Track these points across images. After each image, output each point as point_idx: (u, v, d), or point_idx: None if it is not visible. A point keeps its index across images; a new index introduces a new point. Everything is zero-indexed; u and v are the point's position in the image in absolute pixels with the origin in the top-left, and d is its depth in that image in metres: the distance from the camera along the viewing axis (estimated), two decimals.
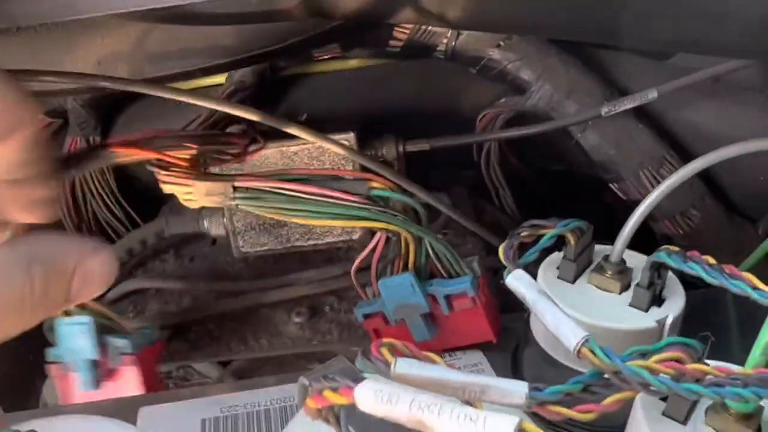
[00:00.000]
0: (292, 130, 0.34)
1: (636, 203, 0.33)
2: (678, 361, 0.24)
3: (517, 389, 0.23)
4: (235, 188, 0.31)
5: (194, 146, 0.31)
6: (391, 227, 0.33)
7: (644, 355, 0.24)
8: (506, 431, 0.17)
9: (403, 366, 0.22)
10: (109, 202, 0.54)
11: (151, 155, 0.28)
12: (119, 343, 0.36)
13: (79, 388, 0.37)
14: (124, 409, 0.34)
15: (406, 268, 0.35)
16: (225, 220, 0.46)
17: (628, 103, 0.44)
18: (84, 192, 0.53)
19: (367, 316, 0.37)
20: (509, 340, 0.38)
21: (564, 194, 0.56)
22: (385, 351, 0.24)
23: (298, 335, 0.44)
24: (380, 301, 0.36)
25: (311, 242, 0.47)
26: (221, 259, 0.50)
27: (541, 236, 0.33)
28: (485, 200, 0.54)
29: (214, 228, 0.48)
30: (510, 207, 0.53)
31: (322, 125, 0.40)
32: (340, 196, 0.31)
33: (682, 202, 0.47)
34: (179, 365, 0.45)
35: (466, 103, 0.53)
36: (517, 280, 0.28)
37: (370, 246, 0.35)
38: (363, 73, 0.53)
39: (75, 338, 0.36)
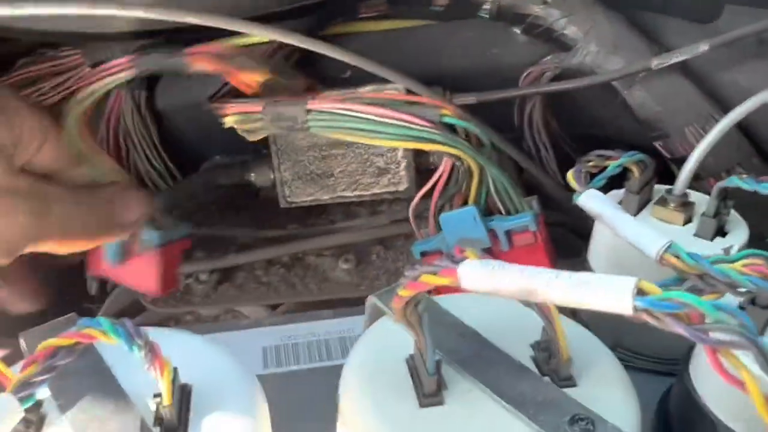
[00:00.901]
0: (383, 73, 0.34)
1: (681, 160, 0.34)
2: (760, 266, 0.24)
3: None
4: (307, 111, 0.32)
5: (268, 71, 0.31)
6: (460, 153, 0.33)
7: (725, 262, 0.25)
8: (624, 290, 0.17)
9: (492, 263, 0.23)
10: (150, 155, 0.54)
11: (228, 69, 0.29)
12: (147, 235, 0.39)
13: (104, 257, 0.40)
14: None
15: (465, 203, 0.36)
16: (273, 170, 0.47)
17: (679, 56, 0.44)
18: (126, 143, 0.53)
19: (424, 254, 0.37)
20: None
21: None
22: (470, 252, 0.24)
23: (346, 281, 0.44)
24: (439, 238, 0.36)
25: (357, 192, 0.47)
26: (267, 209, 0.50)
27: (605, 167, 0.33)
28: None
29: (260, 178, 0.48)
30: (552, 169, 0.53)
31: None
32: (412, 120, 0.31)
33: (729, 159, 0.47)
34: (228, 309, 0.45)
35: (511, 62, 0.53)
36: (591, 198, 0.28)
37: (434, 177, 0.35)
38: (408, 33, 0.53)
39: None
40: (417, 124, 0.32)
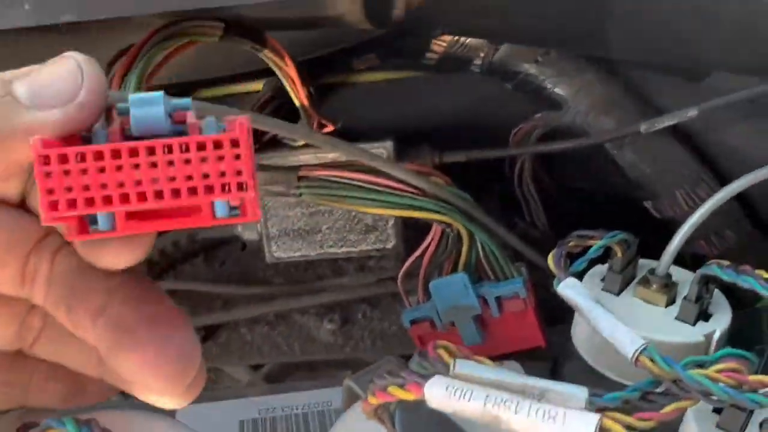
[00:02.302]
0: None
1: (670, 221, 0.34)
2: (735, 371, 0.24)
3: (577, 393, 0.23)
4: (299, 178, 0.32)
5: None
6: (450, 221, 0.33)
7: (701, 365, 0.24)
8: (587, 429, 0.17)
9: (462, 367, 0.22)
10: None
11: None
12: None
13: None
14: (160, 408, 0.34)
15: (455, 270, 0.36)
16: (259, 224, 0.46)
17: (667, 120, 0.44)
18: None
19: (414, 322, 0.37)
20: (546, 354, 0.38)
21: (592, 213, 0.56)
22: (442, 352, 0.23)
23: (330, 341, 0.44)
24: (428, 305, 0.36)
25: (345, 249, 0.47)
26: (252, 264, 0.50)
27: (586, 247, 0.33)
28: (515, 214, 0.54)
29: (247, 232, 0.48)
30: (542, 222, 0.53)
31: (357, 134, 0.41)
32: (404, 188, 0.32)
33: (719, 223, 0.47)
34: (209, 368, 0.44)
35: (502, 117, 0.53)
36: (569, 288, 0.28)
37: (423, 245, 0.35)
38: (398, 85, 0.53)
39: None
40: (407, 192, 0.32)
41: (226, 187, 0.19)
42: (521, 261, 0.43)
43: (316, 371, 0.45)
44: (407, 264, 0.37)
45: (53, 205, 0.19)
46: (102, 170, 0.19)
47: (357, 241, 0.47)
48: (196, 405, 0.35)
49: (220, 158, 0.18)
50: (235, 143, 0.19)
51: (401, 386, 0.21)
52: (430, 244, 0.35)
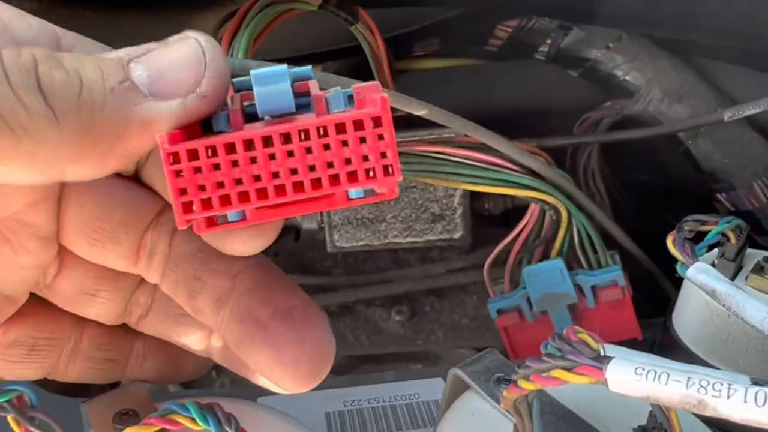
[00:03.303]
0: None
1: (746, 213, 0.32)
2: None
3: (740, 381, 0.21)
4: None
5: None
6: (556, 201, 0.31)
7: None
8: None
9: (647, 365, 0.20)
10: None
11: None
12: None
13: None
14: (243, 398, 0.32)
15: (545, 257, 0.34)
16: (321, 213, 0.45)
17: (751, 109, 0.42)
18: None
19: (501, 312, 0.35)
20: (640, 346, 0.37)
21: (652, 206, 0.55)
22: (585, 336, 0.22)
23: (400, 333, 0.42)
24: (517, 294, 0.34)
25: (410, 239, 0.45)
26: (307, 255, 0.48)
27: (699, 232, 0.31)
28: None
29: (306, 221, 0.46)
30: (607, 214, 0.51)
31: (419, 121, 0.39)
32: (505, 165, 0.30)
33: None
34: None
35: (565, 106, 0.51)
36: (702, 273, 0.26)
37: (517, 229, 0.33)
38: (461, 72, 0.52)
39: None
40: (511, 170, 0.31)
41: (371, 172, 0.17)
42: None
43: (383, 364, 0.43)
44: (499, 248, 0.35)
45: (187, 207, 0.17)
46: (235, 164, 0.17)
47: (423, 230, 0.45)
48: (279, 396, 0.33)
49: (362, 140, 0.17)
50: (377, 122, 0.17)
51: (569, 369, 0.19)
52: (524, 227, 0.34)
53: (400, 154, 0.34)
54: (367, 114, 0.17)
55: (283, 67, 0.18)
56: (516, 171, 0.32)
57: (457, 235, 0.45)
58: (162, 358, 0.26)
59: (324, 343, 0.21)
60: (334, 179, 0.17)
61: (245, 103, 0.18)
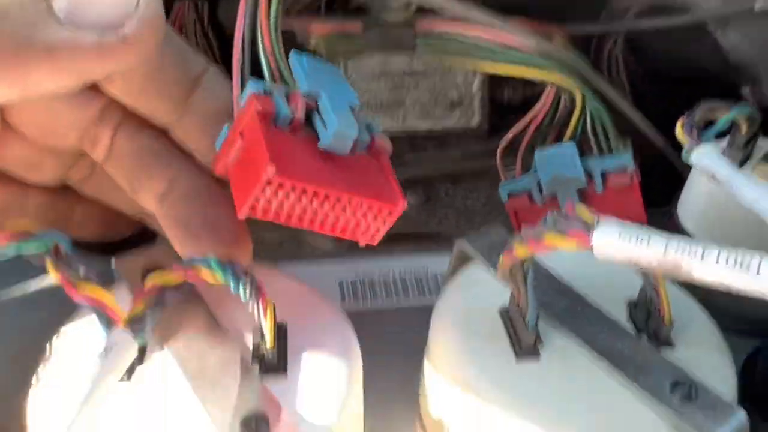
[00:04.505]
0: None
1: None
2: None
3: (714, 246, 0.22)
4: (414, 35, 0.30)
5: None
6: (569, 83, 0.32)
7: None
8: None
9: (632, 231, 0.21)
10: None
11: None
12: None
13: None
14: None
15: (559, 140, 0.35)
16: None
17: None
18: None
19: (511, 195, 0.36)
20: None
21: (673, 97, 0.54)
22: (583, 210, 0.23)
23: (414, 216, 0.44)
24: (529, 178, 0.35)
25: (428, 124, 0.46)
26: None
27: (709, 120, 0.31)
28: None
29: None
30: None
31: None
32: (523, 46, 0.30)
33: None
34: (291, 237, 0.44)
35: None
36: (706, 156, 0.27)
37: (532, 112, 0.34)
38: None
39: None
40: (529, 52, 0.31)
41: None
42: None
43: (398, 243, 0.44)
44: (513, 131, 0.36)
45: (254, 209, 0.22)
46: (300, 200, 0.22)
47: (441, 116, 0.46)
48: (296, 265, 0.35)
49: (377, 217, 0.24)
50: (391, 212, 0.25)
51: (561, 234, 0.21)
52: (539, 112, 0.34)
53: (419, 34, 0.34)
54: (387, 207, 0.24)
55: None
56: (533, 53, 0.32)
57: (474, 123, 0.45)
58: (101, 217, 0.27)
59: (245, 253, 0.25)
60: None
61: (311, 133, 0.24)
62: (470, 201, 0.44)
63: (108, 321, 0.22)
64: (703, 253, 0.17)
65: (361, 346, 0.28)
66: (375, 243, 0.25)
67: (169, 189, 0.24)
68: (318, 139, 0.23)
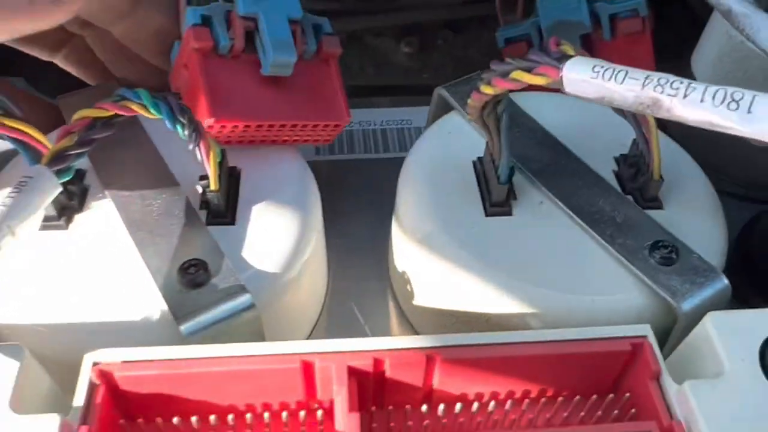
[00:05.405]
0: None
1: None
2: None
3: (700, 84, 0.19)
4: None
5: None
6: None
7: None
8: None
9: (604, 64, 0.18)
10: None
11: None
12: None
13: None
14: None
15: None
16: None
17: None
18: None
19: (509, 41, 0.32)
20: None
21: None
22: (566, 47, 0.20)
23: (407, 66, 0.41)
24: (529, 23, 0.32)
25: None
26: None
27: None
28: None
29: None
30: None
31: None
32: None
33: None
34: None
35: None
36: None
37: None
38: None
39: None
40: None
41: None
42: None
43: (387, 96, 0.42)
44: None
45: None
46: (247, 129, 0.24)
47: None
48: None
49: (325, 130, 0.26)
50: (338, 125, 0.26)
51: (528, 70, 0.18)
52: None
53: None
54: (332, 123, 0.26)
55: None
56: None
57: None
58: None
59: None
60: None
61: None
62: (471, 50, 0.41)
63: (34, 156, 0.21)
64: (687, 89, 0.15)
65: (330, 197, 0.26)
66: (331, 142, 0.28)
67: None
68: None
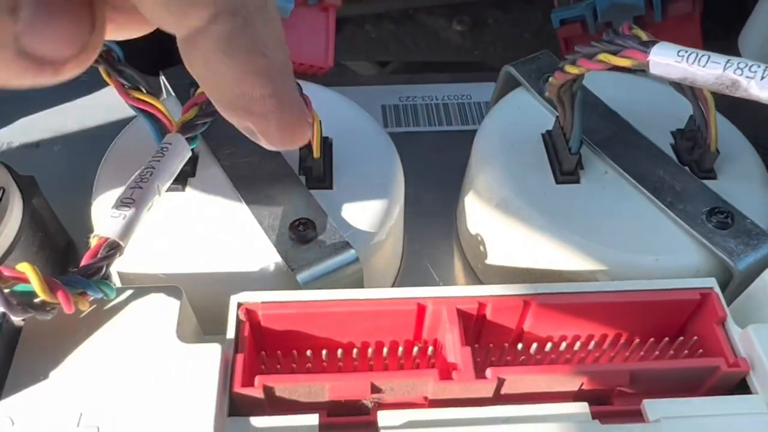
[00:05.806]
0: None
1: None
2: None
3: None
4: None
5: None
6: None
7: None
8: None
9: (688, 50, 0.20)
10: None
11: None
12: None
13: None
14: None
15: None
16: None
17: None
18: None
19: (564, 22, 0.35)
20: None
21: None
22: (639, 32, 0.22)
23: (459, 43, 0.43)
24: (583, 4, 0.34)
25: None
26: None
27: None
28: None
29: None
30: None
31: None
32: None
33: None
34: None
35: None
36: None
37: None
38: None
39: None
40: None
41: None
42: None
43: (442, 72, 0.44)
44: None
45: None
46: None
47: None
48: (339, 90, 0.35)
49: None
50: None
51: (614, 53, 0.20)
52: None
53: None
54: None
55: None
56: None
57: None
58: None
59: None
60: None
61: None
62: (519, 29, 0.43)
63: (160, 127, 0.23)
64: (764, 72, 0.17)
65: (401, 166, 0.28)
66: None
67: None
68: None
